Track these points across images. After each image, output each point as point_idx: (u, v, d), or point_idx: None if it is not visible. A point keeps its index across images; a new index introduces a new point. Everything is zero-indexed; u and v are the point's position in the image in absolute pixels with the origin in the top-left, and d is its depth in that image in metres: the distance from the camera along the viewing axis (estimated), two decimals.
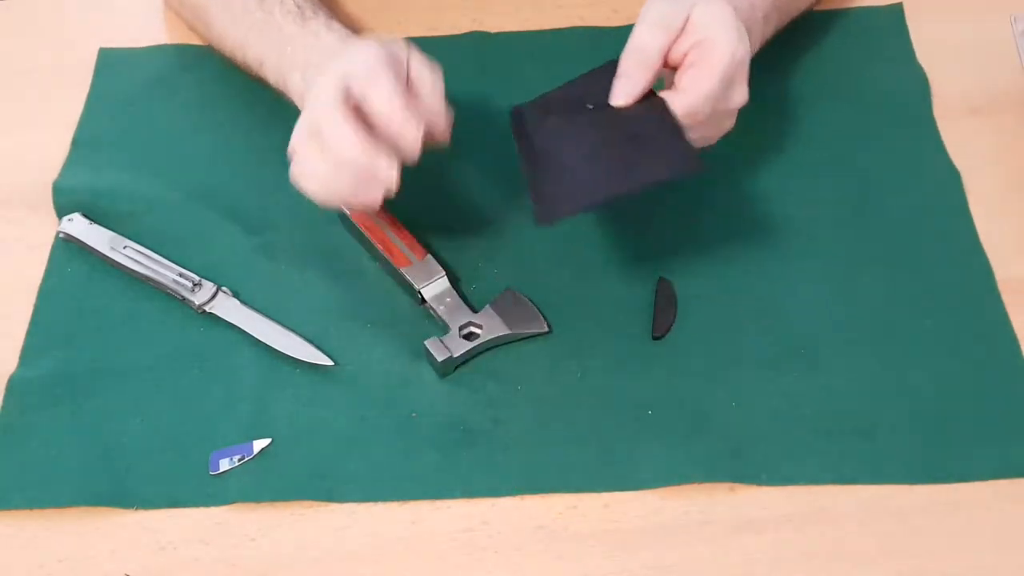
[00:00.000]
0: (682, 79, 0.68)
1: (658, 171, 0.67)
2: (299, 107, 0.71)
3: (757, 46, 0.74)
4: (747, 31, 0.69)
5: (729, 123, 0.72)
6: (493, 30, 0.91)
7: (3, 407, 0.71)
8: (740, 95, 0.70)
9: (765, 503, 0.66)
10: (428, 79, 0.67)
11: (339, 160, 0.64)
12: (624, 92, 0.68)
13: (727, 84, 0.68)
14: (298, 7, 0.77)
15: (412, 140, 0.64)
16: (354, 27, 0.90)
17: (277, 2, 0.78)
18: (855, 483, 0.66)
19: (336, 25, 0.76)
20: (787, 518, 0.65)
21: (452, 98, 0.86)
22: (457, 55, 0.89)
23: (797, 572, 0.64)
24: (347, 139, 0.63)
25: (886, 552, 0.64)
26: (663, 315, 0.73)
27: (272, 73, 0.77)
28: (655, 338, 0.72)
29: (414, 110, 0.64)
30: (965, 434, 0.68)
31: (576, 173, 0.67)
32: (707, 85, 0.67)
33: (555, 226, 0.68)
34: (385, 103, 0.64)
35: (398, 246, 0.75)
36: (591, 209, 0.76)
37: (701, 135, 0.70)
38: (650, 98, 0.69)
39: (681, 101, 0.68)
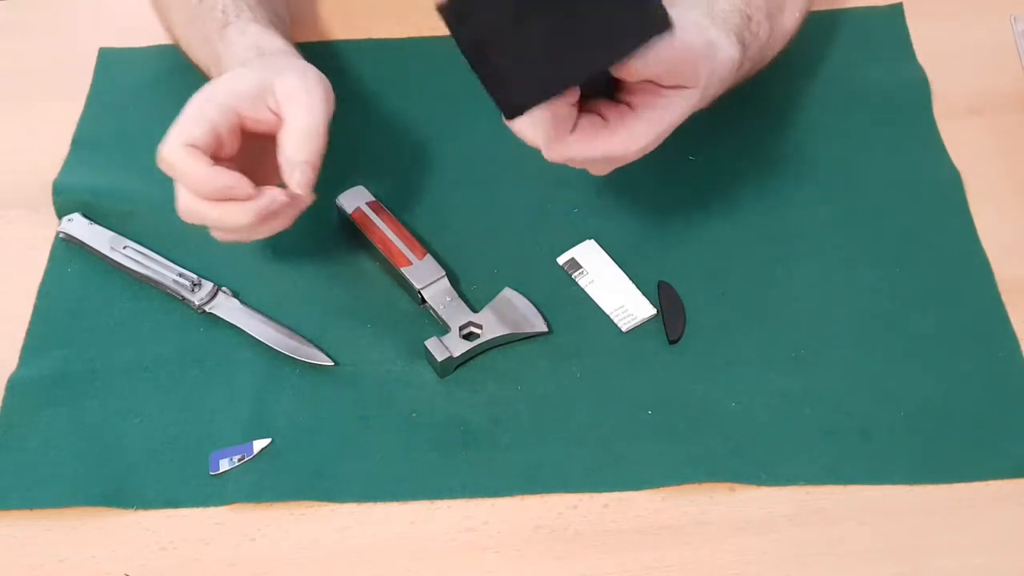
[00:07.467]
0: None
1: (627, 41, 0.58)
2: None
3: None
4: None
5: None
6: None
7: (3, 407, 0.71)
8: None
9: (765, 503, 0.66)
10: (297, 126, 0.65)
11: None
12: None
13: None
14: (223, 11, 0.75)
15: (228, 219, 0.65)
16: (354, 29, 0.91)
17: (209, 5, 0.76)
18: (855, 483, 0.66)
19: (251, 32, 0.73)
20: (787, 518, 0.65)
21: (451, 98, 0.86)
22: (457, 55, 0.89)
23: (797, 572, 0.64)
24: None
25: (886, 552, 0.64)
26: (674, 319, 0.73)
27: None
28: (672, 343, 0.72)
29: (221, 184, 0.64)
30: (965, 434, 0.68)
31: (540, 53, 0.58)
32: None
33: (516, 119, 0.59)
34: (191, 184, 0.65)
35: (398, 246, 0.75)
36: (561, 94, 0.61)
37: None
38: None
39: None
